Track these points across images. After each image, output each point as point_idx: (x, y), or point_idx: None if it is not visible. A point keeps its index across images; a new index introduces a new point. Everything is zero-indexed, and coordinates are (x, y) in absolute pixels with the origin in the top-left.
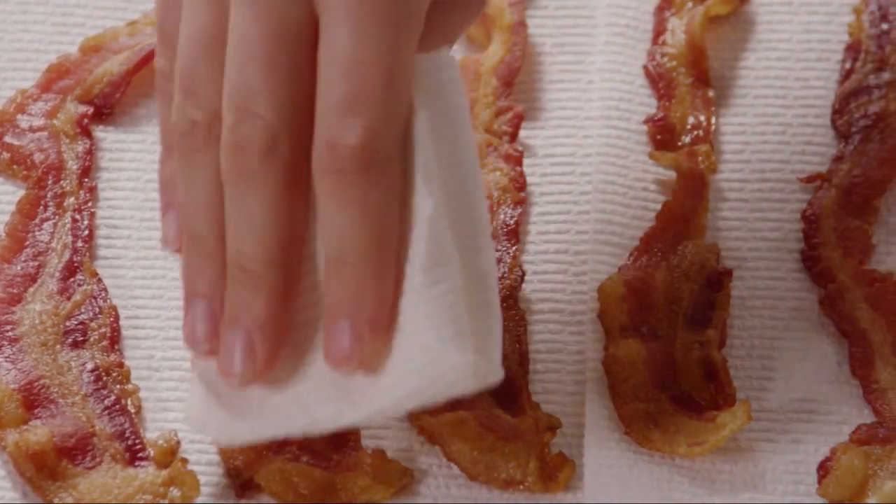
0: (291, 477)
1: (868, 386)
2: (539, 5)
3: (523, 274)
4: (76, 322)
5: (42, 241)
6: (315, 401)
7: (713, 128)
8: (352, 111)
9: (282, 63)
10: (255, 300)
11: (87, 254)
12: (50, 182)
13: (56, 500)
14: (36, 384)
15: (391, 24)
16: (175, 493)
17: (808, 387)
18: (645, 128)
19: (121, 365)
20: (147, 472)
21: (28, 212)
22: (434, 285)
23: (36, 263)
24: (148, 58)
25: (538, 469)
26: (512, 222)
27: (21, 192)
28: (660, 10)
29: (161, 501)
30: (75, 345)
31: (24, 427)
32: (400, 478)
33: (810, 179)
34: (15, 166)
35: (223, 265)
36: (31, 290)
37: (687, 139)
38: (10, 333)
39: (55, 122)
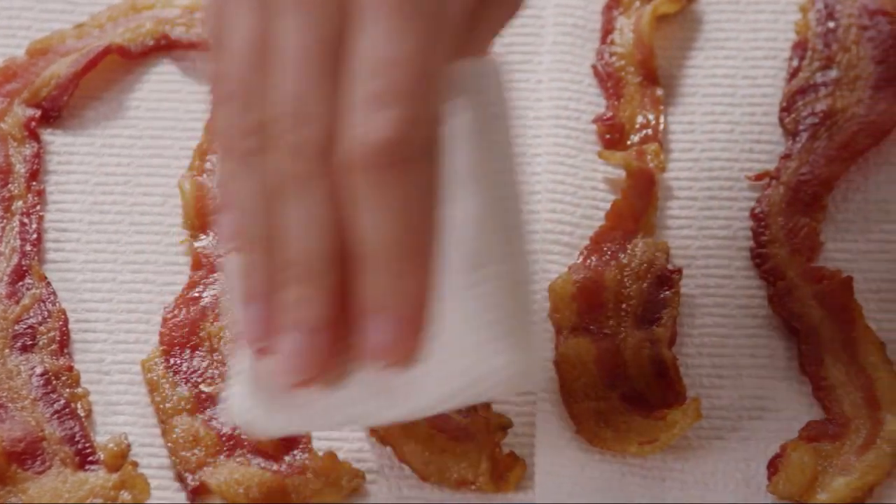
0: (243, 480)
1: (817, 383)
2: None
3: None
4: (25, 326)
5: None
6: (356, 398)
7: (662, 127)
8: (385, 104)
9: (327, 69)
10: (307, 303)
11: (36, 258)
12: None
13: None
14: None
15: (425, 26)
16: (126, 496)
17: (758, 384)
18: (594, 127)
19: (70, 369)
20: (97, 476)
21: None
22: (475, 287)
23: None
24: (96, 60)
25: (489, 469)
26: None
27: None
28: (608, 10)
29: None
30: (24, 349)
31: None
32: (351, 479)
33: (759, 177)
34: None
35: (279, 267)
36: None
37: (636, 138)
38: None
39: (2, 125)
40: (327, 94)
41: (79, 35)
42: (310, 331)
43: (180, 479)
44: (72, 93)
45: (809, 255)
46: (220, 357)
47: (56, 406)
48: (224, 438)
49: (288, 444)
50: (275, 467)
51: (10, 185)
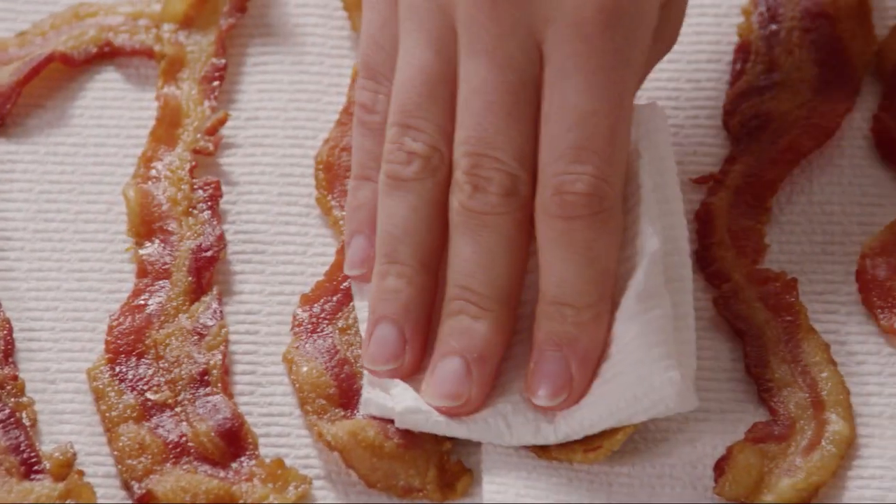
0: (189, 487)
1: (763, 384)
2: None
3: None
4: None
5: None
6: (513, 411)
7: None
8: (581, 159)
9: (520, 113)
10: (478, 332)
11: None
12: None
13: None
14: None
15: (618, 78)
16: None
17: (704, 386)
18: None
19: (15, 378)
20: (43, 486)
21: None
22: (647, 312)
23: None
24: (38, 68)
25: (437, 477)
26: None
27: None
28: None
29: None
30: None
31: None
32: (298, 485)
33: (703, 180)
34: None
35: (419, 291)
36: None
37: None
38: None
39: None
40: (513, 137)
41: (21, 43)
42: (477, 359)
43: (126, 487)
44: (14, 101)
45: (754, 258)
46: (166, 365)
47: (1, 415)
48: (170, 446)
49: (235, 450)
50: (221, 474)
51: None
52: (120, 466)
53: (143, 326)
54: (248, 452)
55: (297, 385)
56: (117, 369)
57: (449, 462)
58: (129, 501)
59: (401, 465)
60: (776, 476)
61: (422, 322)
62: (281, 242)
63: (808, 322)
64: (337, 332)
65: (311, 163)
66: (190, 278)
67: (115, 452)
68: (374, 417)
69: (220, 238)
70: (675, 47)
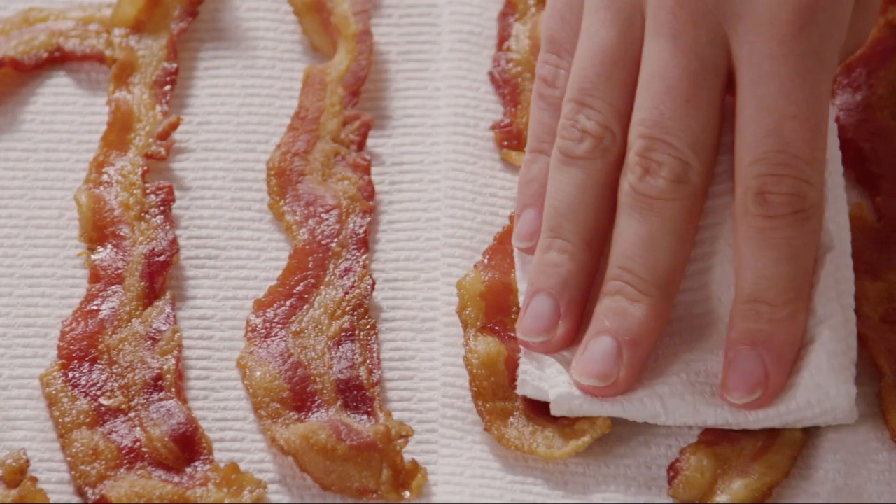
0: (143, 493)
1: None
2: (384, 14)
3: (374, 282)
4: None
5: None
6: (670, 393)
7: None
8: (782, 164)
9: (699, 101)
10: (634, 315)
11: None
12: None
13: None
14: None
15: (815, 80)
16: None
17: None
18: (492, 134)
19: None
20: None
21: None
22: (830, 317)
23: None
24: None
25: (391, 477)
26: (361, 231)
27: None
28: (503, 16)
29: None
30: None
31: None
32: (253, 490)
33: None
34: None
35: (579, 269)
36: None
37: None
38: None
39: None
40: (689, 125)
41: None
42: (630, 342)
43: (80, 493)
44: None
45: None
46: (119, 370)
47: None
48: (124, 452)
49: (189, 455)
50: (176, 479)
51: None
52: (73, 472)
53: (95, 332)
54: (202, 457)
55: (250, 389)
56: (70, 375)
57: (403, 463)
58: None
59: (354, 466)
60: (729, 477)
61: (579, 298)
62: (234, 247)
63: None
64: (290, 336)
65: (264, 167)
66: (143, 283)
67: (69, 458)
68: (327, 422)
69: (173, 243)
70: None
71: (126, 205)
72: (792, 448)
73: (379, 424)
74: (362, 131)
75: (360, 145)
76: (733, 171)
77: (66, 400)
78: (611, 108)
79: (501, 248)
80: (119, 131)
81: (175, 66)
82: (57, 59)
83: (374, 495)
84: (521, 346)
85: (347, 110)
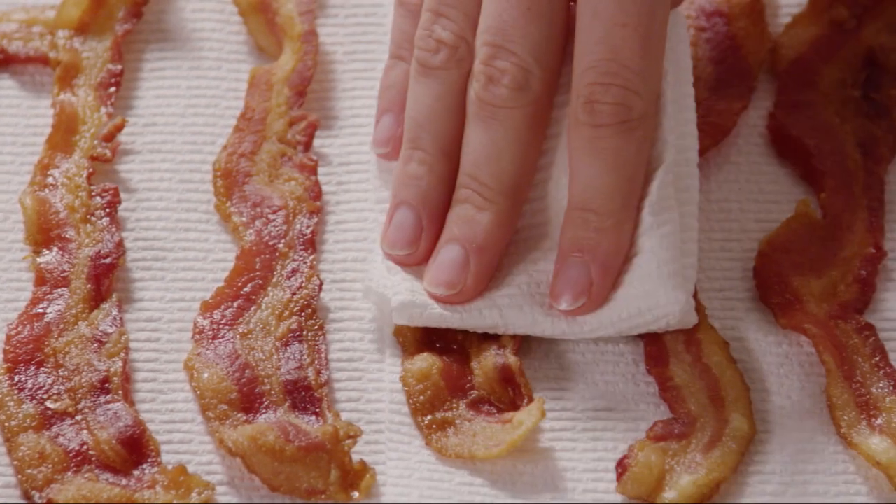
0: (91, 496)
1: (663, 383)
2: (329, 14)
3: (321, 283)
4: None
5: None
6: (509, 304)
7: None
8: (611, 73)
9: (540, 8)
10: (480, 223)
11: None
12: None
13: None
14: None
15: None
16: None
17: (606, 386)
18: None
19: None
20: None
21: None
22: (661, 226)
23: None
24: None
25: (339, 478)
26: (308, 232)
27: None
28: None
29: None
30: None
31: None
32: (201, 492)
33: None
34: None
35: (439, 179)
36: None
37: None
38: None
39: None
40: (530, 33)
41: None
42: (477, 249)
43: (27, 497)
44: None
45: None
46: (66, 373)
47: None
48: (71, 455)
49: (136, 458)
50: (123, 482)
51: None
52: (20, 476)
53: (41, 335)
54: (149, 460)
55: (198, 391)
56: (16, 378)
57: (351, 463)
58: None
59: (302, 467)
60: (677, 473)
61: (439, 210)
62: (181, 249)
63: (706, 320)
64: (238, 337)
65: (210, 169)
66: (89, 286)
67: (15, 462)
68: (275, 422)
69: (119, 245)
70: None
71: (71, 207)
72: (739, 443)
73: (327, 425)
74: (309, 132)
75: (307, 146)
76: None
77: (11, 404)
78: (465, 18)
79: None
80: (64, 133)
81: (120, 67)
82: (0, 62)
83: (323, 496)
84: (369, 259)
85: (294, 111)
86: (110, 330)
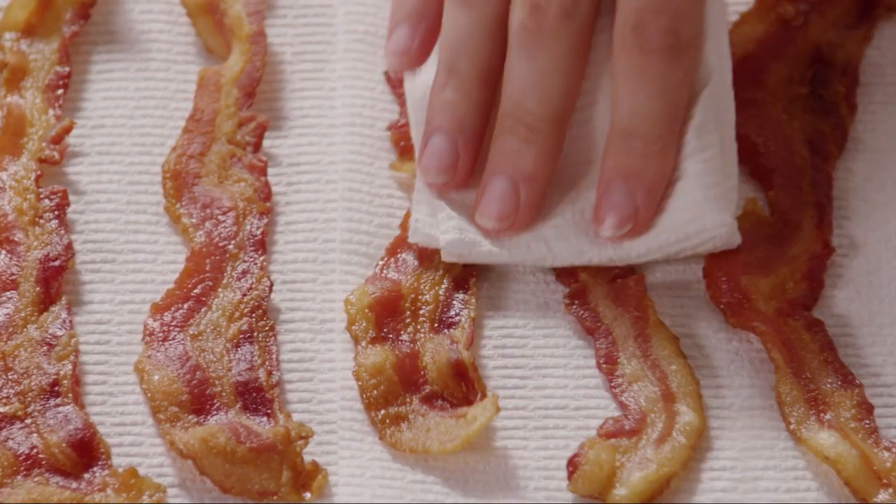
0: (41, 499)
1: (613, 380)
2: (278, 14)
3: (271, 284)
4: None
5: None
6: (555, 236)
7: None
8: None
9: None
10: (527, 153)
11: None
12: None
13: None
14: None
15: None
16: None
17: (557, 383)
18: (388, 134)
19: None
20: None
21: None
22: (705, 150)
23: None
24: None
25: (291, 479)
26: (258, 233)
27: None
28: None
29: None
30: None
31: None
32: (153, 494)
33: None
34: None
35: (476, 106)
36: None
37: None
38: None
39: None
40: None
41: None
42: (525, 179)
43: None
44: None
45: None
46: (15, 376)
47: None
48: (21, 458)
49: (87, 461)
50: (74, 485)
51: None
52: None
53: None
54: (100, 462)
55: (148, 394)
56: None
57: (303, 464)
58: None
59: (254, 469)
60: (628, 470)
61: (475, 137)
62: (130, 251)
63: (656, 317)
64: (188, 339)
65: (159, 170)
66: (38, 288)
67: None
68: (227, 424)
69: (68, 247)
70: None
71: (20, 210)
72: (690, 439)
73: (278, 426)
74: (258, 133)
75: (256, 147)
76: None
77: None
78: None
79: (393, 256)
80: (11, 136)
81: (68, 69)
82: None
83: (275, 497)
84: (413, 193)
85: (243, 112)
86: (60, 333)
